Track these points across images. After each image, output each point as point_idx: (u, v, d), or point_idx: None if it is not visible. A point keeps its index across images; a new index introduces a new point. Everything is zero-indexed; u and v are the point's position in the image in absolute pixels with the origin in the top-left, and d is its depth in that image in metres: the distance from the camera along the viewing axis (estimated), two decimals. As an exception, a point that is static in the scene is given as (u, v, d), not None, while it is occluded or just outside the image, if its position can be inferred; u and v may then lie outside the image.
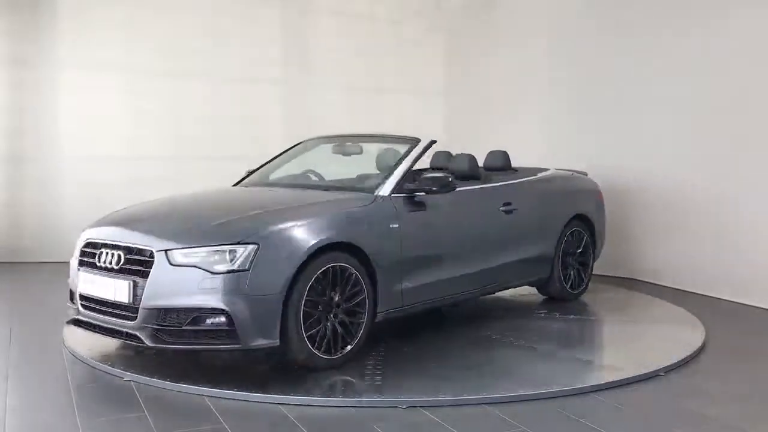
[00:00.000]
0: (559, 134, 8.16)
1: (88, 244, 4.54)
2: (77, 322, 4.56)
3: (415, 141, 5.35)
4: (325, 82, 9.23)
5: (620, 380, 4.20)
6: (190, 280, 3.99)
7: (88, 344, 4.88)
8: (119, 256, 4.24)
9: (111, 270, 4.25)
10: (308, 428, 3.56)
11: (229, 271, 3.97)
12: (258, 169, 6.00)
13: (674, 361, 4.54)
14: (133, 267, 4.16)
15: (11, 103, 8.29)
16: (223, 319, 3.97)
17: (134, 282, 4.10)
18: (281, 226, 4.21)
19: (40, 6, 8.27)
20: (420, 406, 3.82)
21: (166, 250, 4.08)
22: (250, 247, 4.03)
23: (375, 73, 9.46)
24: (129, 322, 4.12)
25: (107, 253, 4.31)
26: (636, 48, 7.23)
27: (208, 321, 3.99)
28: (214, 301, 3.95)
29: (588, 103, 7.80)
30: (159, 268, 4.04)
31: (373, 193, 4.83)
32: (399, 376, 4.24)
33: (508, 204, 5.64)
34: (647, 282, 7.15)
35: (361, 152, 5.82)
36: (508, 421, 3.63)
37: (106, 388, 4.17)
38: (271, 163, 6.04)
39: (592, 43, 7.75)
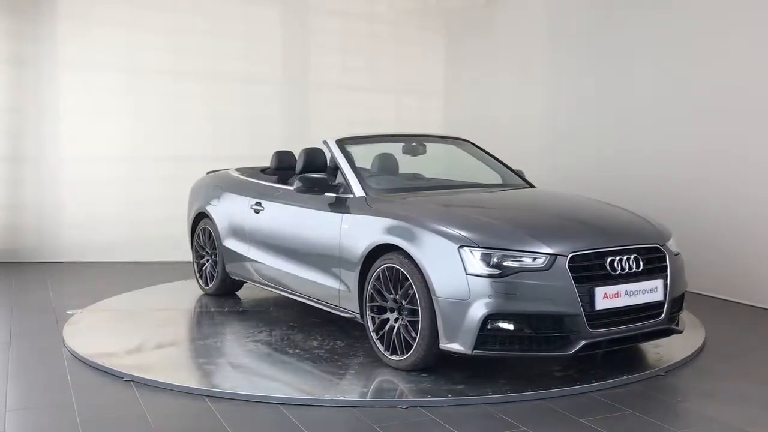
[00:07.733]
0: (559, 133, 8.17)
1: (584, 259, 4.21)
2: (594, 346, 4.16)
3: (467, 141, 6.02)
4: (325, 82, 9.22)
5: (620, 380, 4.20)
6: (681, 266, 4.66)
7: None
8: (637, 258, 4.32)
9: (635, 275, 4.28)
10: (308, 428, 3.56)
11: None
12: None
13: (674, 361, 4.54)
14: (652, 266, 4.40)
15: (11, 103, 8.29)
16: None
17: (662, 279, 4.39)
18: None
19: (40, 6, 8.27)
20: (420, 406, 3.82)
21: (666, 244, 4.54)
22: None
23: (375, 73, 9.45)
24: (658, 319, 4.38)
25: (623, 260, 4.26)
26: (637, 47, 7.22)
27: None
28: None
29: (588, 103, 7.80)
30: (671, 261, 4.48)
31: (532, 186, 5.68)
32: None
33: None
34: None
35: (425, 152, 5.88)
36: (508, 421, 3.63)
37: (106, 388, 4.17)
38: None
39: (592, 43, 7.75)
